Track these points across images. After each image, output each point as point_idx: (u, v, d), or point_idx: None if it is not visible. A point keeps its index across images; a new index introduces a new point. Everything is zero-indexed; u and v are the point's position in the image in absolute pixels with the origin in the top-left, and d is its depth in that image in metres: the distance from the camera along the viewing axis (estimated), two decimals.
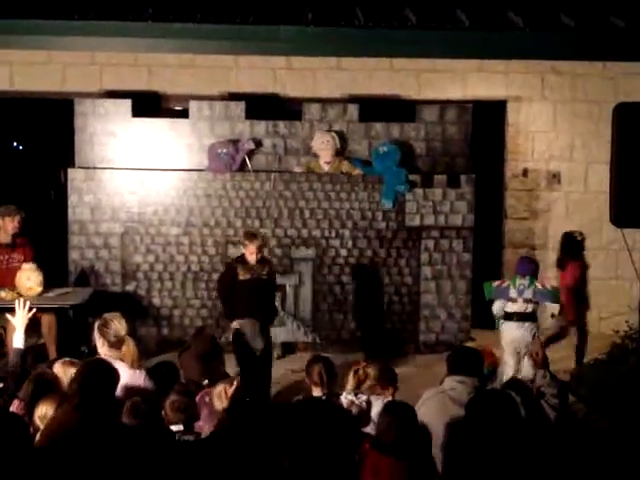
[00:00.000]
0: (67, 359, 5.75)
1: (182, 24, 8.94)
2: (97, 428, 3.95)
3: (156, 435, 4.51)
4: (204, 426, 5.35)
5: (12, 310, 7.74)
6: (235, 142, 9.09)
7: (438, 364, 8.37)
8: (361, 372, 5.63)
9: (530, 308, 7.60)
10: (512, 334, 7.60)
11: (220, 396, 4.93)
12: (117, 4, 9.21)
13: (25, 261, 8.15)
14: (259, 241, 7.56)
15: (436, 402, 5.07)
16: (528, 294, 7.60)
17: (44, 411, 4.60)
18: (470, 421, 4.32)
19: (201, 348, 6.30)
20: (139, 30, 8.98)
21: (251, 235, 7.70)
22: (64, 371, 5.37)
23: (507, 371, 7.44)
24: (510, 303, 7.63)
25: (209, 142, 9.13)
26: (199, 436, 5.06)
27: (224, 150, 8.97)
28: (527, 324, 7.57)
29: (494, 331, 7.98)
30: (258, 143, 9.15)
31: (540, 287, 7.64)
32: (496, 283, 7.91)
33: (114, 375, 4.45)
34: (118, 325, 5.71)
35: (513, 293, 7.62)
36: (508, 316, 7.65)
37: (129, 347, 5.62)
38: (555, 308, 8.57)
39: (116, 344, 5.65)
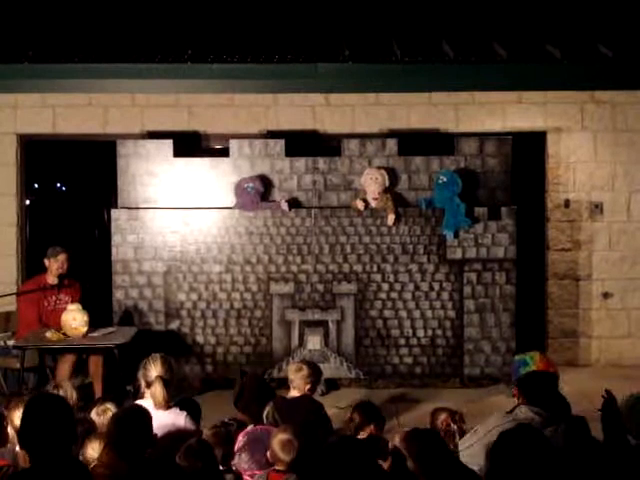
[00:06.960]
0: (102, 406, 5.85)
1: (221, 65, 9.10)
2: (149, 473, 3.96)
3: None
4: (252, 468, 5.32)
5: (58, 351, 7.96)
6: (262, 178, 9.08)
7: (484, 398, 8.39)
8: None
9: None
10: None
11: (283, 447, 4.57)
12: (157, 46, 9.38)
13: (72, 302, 8.23)
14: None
15: None
16: None
17: (93, 451, 4.68)
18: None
19: (256, 390, 6.30)
20: (179, 71, 9.15)
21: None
22: (98, 416, 5.57)
23: None
24: None
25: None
26: (240, 477, 5.04)
27: (250, 184, 8.98)
28: None
29: None
30: (293, 201, 9.09)
31: None
32: None
33: (144, 419, 4.51)
34: (151, 368, 5.81)
35: None
36: None
37: (155, 390, 5.70)
38: None
39: (149, 385, 5.76)
